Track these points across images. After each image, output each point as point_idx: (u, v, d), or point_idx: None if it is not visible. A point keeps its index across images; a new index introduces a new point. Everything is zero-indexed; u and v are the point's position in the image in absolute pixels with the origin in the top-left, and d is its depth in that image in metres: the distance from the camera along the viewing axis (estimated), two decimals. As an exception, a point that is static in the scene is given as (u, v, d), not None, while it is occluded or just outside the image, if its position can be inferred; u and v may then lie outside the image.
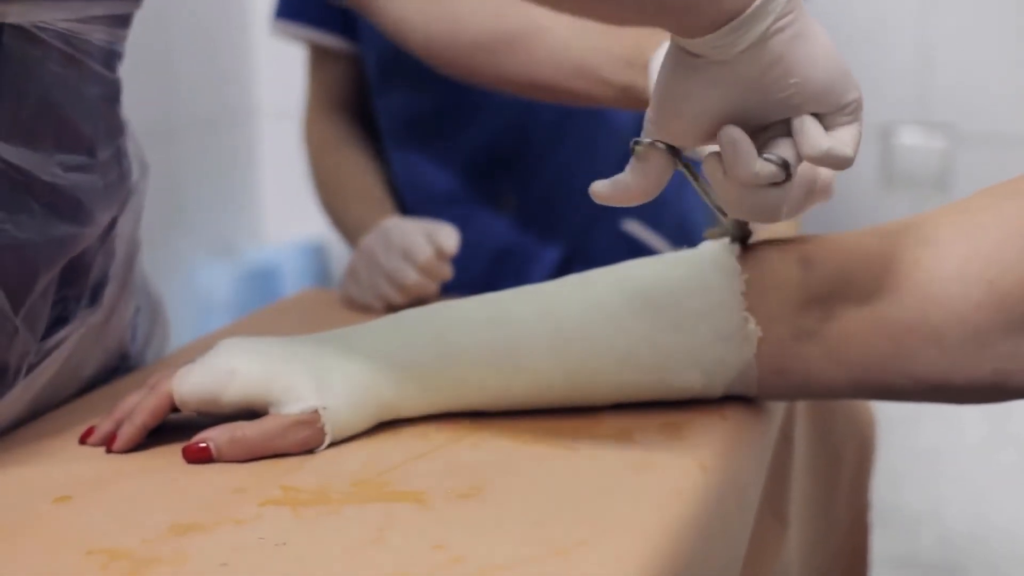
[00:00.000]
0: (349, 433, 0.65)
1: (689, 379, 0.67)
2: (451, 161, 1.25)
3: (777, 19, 0.56)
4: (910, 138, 1.60)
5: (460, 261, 1.05)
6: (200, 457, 0.62)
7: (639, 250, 1.22)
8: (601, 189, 0.63)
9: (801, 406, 0.88)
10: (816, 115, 0.60)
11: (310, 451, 0.63)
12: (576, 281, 0.69)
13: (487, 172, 1.25)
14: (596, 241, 1.26)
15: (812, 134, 0.60)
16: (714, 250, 0.69)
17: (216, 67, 1.94)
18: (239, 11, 2.06)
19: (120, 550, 0.52)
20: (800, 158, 0.61)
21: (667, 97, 0.60)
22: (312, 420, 0.63)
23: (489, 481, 0.59)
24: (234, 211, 2.02)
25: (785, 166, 0.60)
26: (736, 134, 0.59)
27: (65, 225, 0.68)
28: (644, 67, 0.89)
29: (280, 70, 1.89)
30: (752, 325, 0.66)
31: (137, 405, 0.65)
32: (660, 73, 0.61)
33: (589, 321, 0.67)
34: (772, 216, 0.62)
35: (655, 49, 0.89)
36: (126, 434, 0.64)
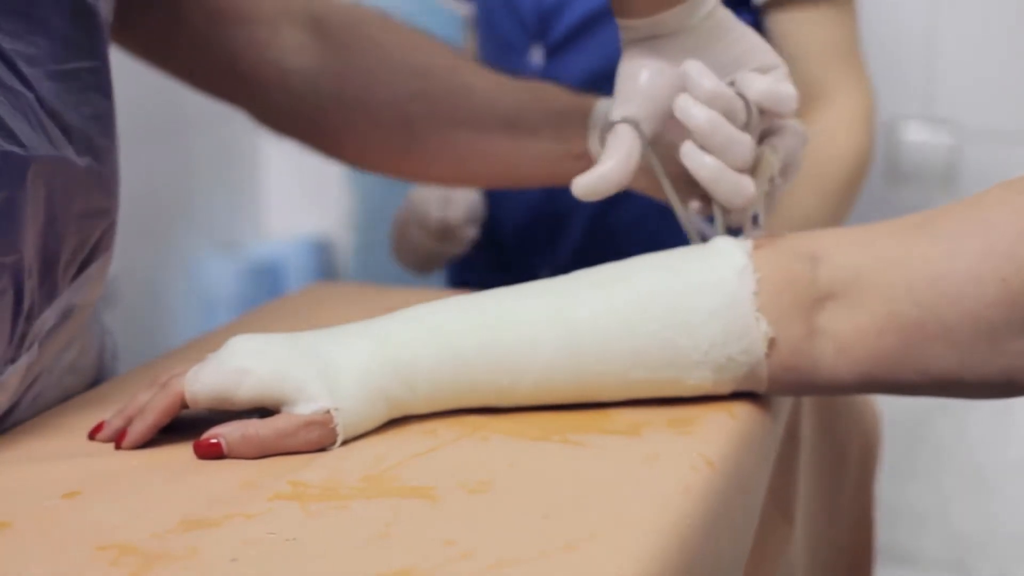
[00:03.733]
0: (360, 432, 0.65)
1: (699, 377, 0.67)
2: None
3: None
4: (916, 134, 1.60)
5: (494, 219, 1.08)
6: (211, 453, 0.62)
7: (667, 221, 1.21)
8: (581, 182, 0.71)
9: (807, 404, 0.89)
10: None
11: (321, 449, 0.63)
12: (586, 279, 0.69)
13: None
14: (622, 212, 1.24)
15: (758, 78, 0.72)
16: (727, 248, 0.68)
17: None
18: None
19: (130, 545, 0.52)
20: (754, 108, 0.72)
21: (625, 76, 0.73)
22: (325, 421, 0.63)
23: (497, 476, 0.59)
24: (238, 206, 2.02)
25: (742, 97, 0.71)
26: (696, 62, 0.71)
27: (100, 192, 0.69)
28: (583, 116, 0.84)
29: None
30: (764, 326, 0.66)
31: (148, 403, 0.65)
32: (620, 64, 0.72)
33: (599, 321, 0.67)
34: (741, 162, 0.71)
35: (594, 103, 0.85)
36: (136, 432, 0.64)
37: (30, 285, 0.65)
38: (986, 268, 0.62)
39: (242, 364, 0.63)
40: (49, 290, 0.67)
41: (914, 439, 1.65)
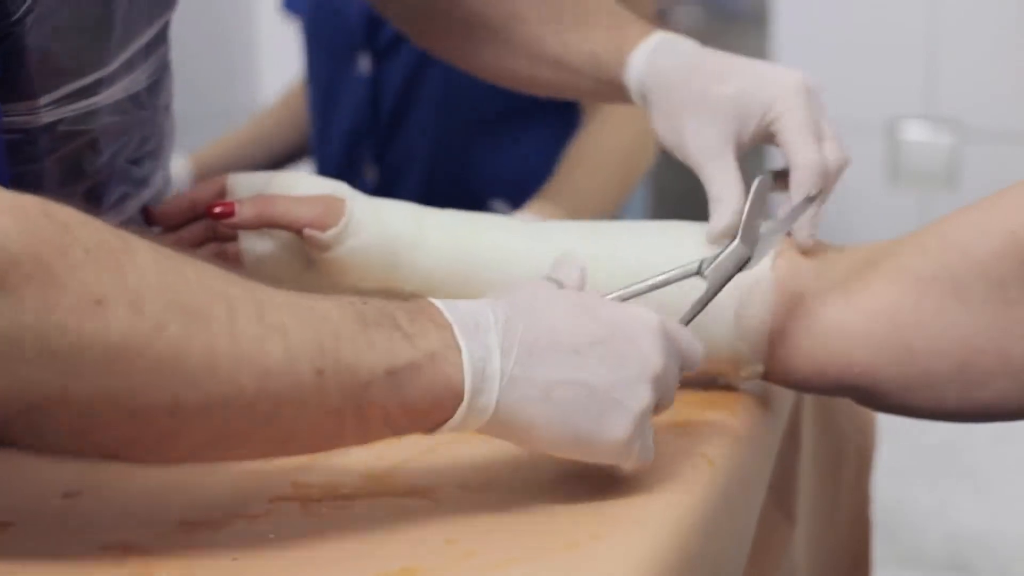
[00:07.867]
0: (366, 235, 0.68)
1: (703, 372, 0.67)
2: (329, 135, 1.39)
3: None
4: (916, 133, 1.60)
5: None
6: (223, 212, 0.66)
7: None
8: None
9: (807, 402, 0.89)
10: None
11: (326, 248, 0.67)
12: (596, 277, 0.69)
13: (349, 144, 1.35)
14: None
15: None
16: (750, 282, 0.66)
17: (222, 63, 1.94)
18: (245, 7, 2.06)
19: (131, 545, 0.52)
20: None
21: None
22: (335, 203, 0.67)
23: (498, 476, 0.59)
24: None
25: None
26: None
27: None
28: (621, 63, 0.87)
29: (285, 66, 1.89)
30: (768, 321, 0.66)
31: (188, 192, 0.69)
32: None
33: None
34: None
35: (633, 47, 0.86)
36: (170, 206, 0.68)
37: None
38: (994, 220, 0.62)
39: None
40: None
41: (914, 439, 1.65)
